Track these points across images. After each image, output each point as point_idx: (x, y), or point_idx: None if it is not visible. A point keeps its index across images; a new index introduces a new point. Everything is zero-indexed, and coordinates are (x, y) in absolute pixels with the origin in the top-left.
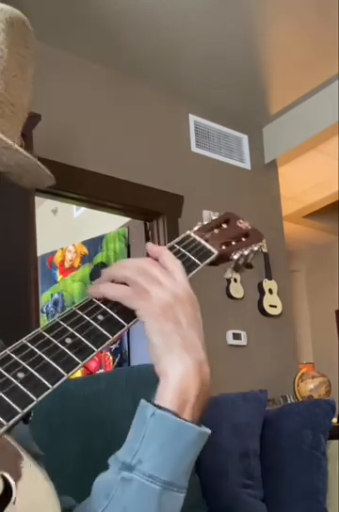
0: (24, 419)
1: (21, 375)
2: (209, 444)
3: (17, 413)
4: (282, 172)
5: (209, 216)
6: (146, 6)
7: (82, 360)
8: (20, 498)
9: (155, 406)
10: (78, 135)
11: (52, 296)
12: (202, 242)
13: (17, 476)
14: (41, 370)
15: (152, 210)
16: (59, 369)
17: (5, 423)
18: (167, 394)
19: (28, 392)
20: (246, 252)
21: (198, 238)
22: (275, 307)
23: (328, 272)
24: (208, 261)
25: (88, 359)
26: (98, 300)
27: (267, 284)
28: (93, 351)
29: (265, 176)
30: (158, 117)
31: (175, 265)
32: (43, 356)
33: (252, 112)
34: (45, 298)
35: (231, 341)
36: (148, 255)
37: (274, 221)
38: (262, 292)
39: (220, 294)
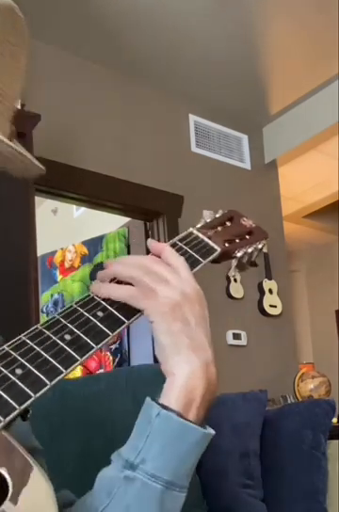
0: (23, 416)
1: (19, 371)
2: (209, 444)
3: (14, 409)
4: (282, 172)
5: (210, 215)
6: (146, 6)
7: (81, 357)
8: (20, 498)
9: (161, 405)
10: (78, 135)
11: (52, 296)
12: (205, 239)
13: (15, 475)
14: (40, 366)
15: (152, 210)
16: (58, 365)
17: (1, 419)
18: (172, 393)
19: (26, 389)
20: (250, 250)
21: (201, 235)
22: (275, 307)
23: (328, 272)
24: (211, 258)
25: (87, 355)
26: (98, 297)
27: (267, 284)
28: (93, 348)
29: (265, 176)
30: (158, 117)
31: (179, 262)
32: (42, 352)
33: (252, 112)
34: (45, 298)
35: (231, 341)
36: (149, 252)
37: (274, 221)
38: (262, 292)
39: (220, 294)
